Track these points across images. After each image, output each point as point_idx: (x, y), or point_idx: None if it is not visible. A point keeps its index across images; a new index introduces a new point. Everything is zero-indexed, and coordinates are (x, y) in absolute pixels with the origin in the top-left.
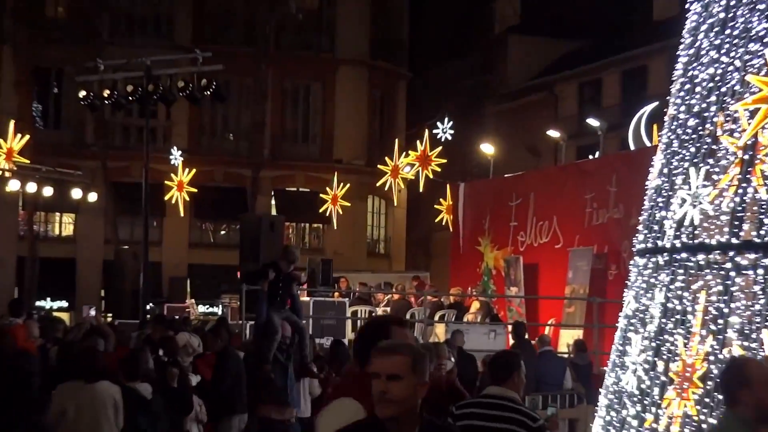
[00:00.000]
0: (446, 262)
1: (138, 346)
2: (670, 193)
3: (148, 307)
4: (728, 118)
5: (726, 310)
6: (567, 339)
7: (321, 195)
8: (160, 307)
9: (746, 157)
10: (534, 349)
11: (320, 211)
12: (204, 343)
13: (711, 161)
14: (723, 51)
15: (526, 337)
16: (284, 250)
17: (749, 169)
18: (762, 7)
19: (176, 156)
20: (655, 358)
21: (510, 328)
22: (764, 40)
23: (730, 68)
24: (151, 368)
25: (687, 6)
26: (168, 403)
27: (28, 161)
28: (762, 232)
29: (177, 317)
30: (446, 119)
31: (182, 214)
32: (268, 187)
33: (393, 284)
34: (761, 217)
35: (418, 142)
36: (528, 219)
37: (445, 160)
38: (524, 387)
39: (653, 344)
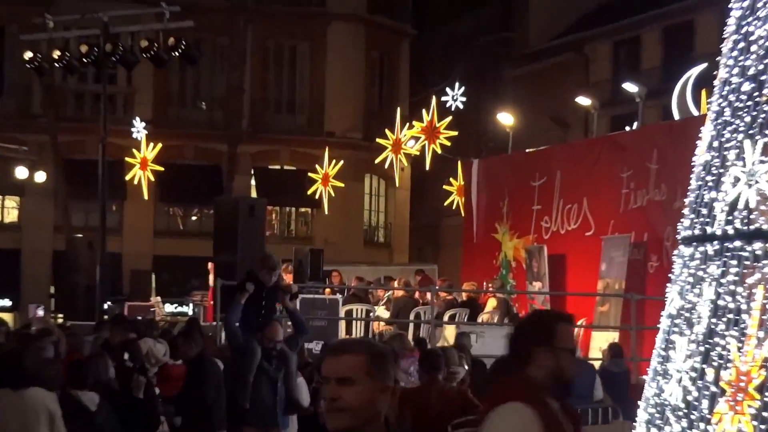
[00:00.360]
0: (457, 253)
1: (95, 353)
2: (722, 170)
3: (105, 306)
4: None
5: None
6: (600, 342)
7: (310, 174)
8: (119, 306)
9: None
10: None
11: (309, 192)
12: (172, 350)
13: None
14: None
15: None
16: (263, 258)
17: None
18: None
19: (139, 129)
20: (704, 365)
21: None
22: None
23: None
24: (112, 377)
25: None
26: (132, 416)
27: None
28: None
29: (140, 318)
30: (457, 84)
31: (146, 197)
32: (247, 164)
33: (394, 279)
34: None
35: (423, 111)
36: (554, 201)
37: (455, 133)
38: None
39: (701, 349)
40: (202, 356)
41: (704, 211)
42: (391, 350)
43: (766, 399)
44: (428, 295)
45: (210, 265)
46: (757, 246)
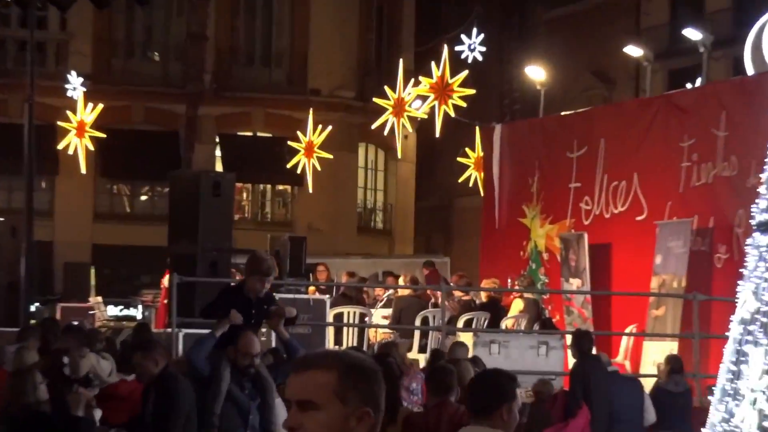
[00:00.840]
0: (475, 243)
1: (20, 368)
2: None
3: (32, 308)
4: None
5: None
6: (654, 355)
7: (289, 143)
8: (50, 309)
9: None
10: (606, 370)
11: (288, 166)
12: (121, 364)
13: None
14: None
15: (594, 352)
16: (253, 261)
17: None
18: None
19: (75, 85)
20: None
21: (569, 339)
22: None
23: None
24: (42, 398)
25: None
26: None
27: None
28: None
29: (76, 323)
30: (475, 30)
31: (84, 171)
32: (210, 130)
33: (396, 275)
34: None
35: (433, 64)
36: (596, 178)
37: (472, 91)
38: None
39: None
40: (167, 374)
41: None
42: (373, 363)
43: None
44: (438, 296)
45: None
46: None
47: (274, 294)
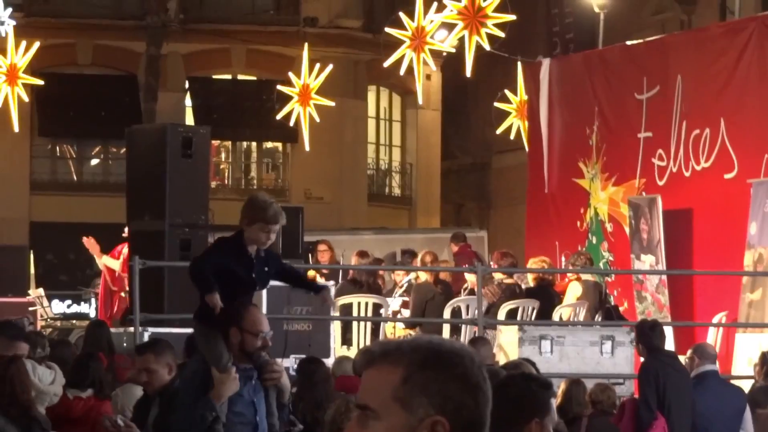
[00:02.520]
0: (519, 211)
1: None
2: None
3: None
4: None
5: None
6: (748, 350)
7: (279, 87)
8: None
9: None
10: (686, 370)
11: (278, 117)
12: (71, 376)
13: None
14: None
15: (670, 348)
16: (252, 205)
17: None
18: None
19: (3, 18)
20: None
21: (636, 333)
22: None
23: None
24: None
25: None
26: None
27: None
28: None
29: (12, 321)
30: None
31: (16, 129)
32: (178, 73)
33: (418, 254)
34: None
35: None
36: (672, 125)
37: (512, 17)
38: None
39: None
40: (172, 388)
41: None
42: (460, 351)
43: None
44: (472, 279)
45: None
46: None
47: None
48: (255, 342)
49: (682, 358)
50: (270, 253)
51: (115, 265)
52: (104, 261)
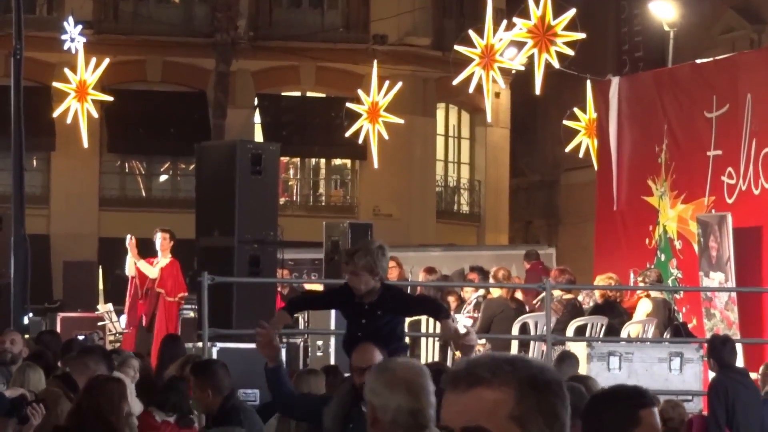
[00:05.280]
0: (587, 229)
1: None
2: None
3: (25, 319)
4: None
5: None
6: None
7: (348, 105)
8: (49, 320)
9: None
10: (756, 388)
11: (347, 135)
12: (149, 398)
13: None
14: None
15: (740, 365)
16: (365, 248)
17: None
18: None
19: (74, 35)
20: None
21: (707, 347)
22: None
23: None
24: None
25: None
26: None
27: None
28: None
29: (82, 338)
30: None
31: (86, 145)
32: (247, 90)
33: (487, 270)
34: None
35: (531, 1)
36: (742, 143)
37: (582, 35)
38: None
39: None
40: (232, 406)
41: None
42: (556, 373)
43: None
44: (541, 296)
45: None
46: None
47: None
48: (359, 378)
49: (753, 376)
50: (386, 297)
51: (151, 272)
52: (140, 264)
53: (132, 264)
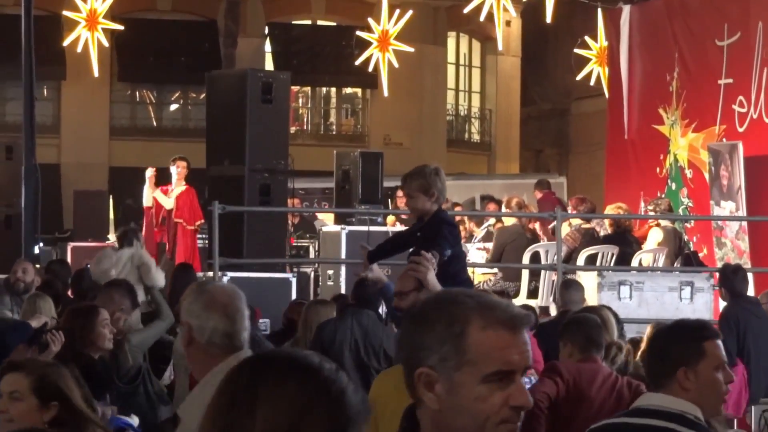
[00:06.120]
0: (598, 157)
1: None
2: None
3: (36, 249)
4: None
5: None
6: None
7: (358, 33)
8: (59, 250)
9: None
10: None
11: (357, 63)
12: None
13: None
14: None
15: (751, 294)
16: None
17: None
18: None
19: None
20: None
21: (719, 276)
22: None
23: None
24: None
25: None
26: None
27: None
28: None
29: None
30: None
31: (96, 74)
32: (258, 19)
33: (498, 200)
34: None
35: None
36: (753, 72)
37: None
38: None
39: None
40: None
41: None
42: None
43: None
44: (552, 225)
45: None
46: None
47: (344, 227)
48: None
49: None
50: (430, 220)
51: (167, 202)
52: (156, 195)
53: (150, 194)
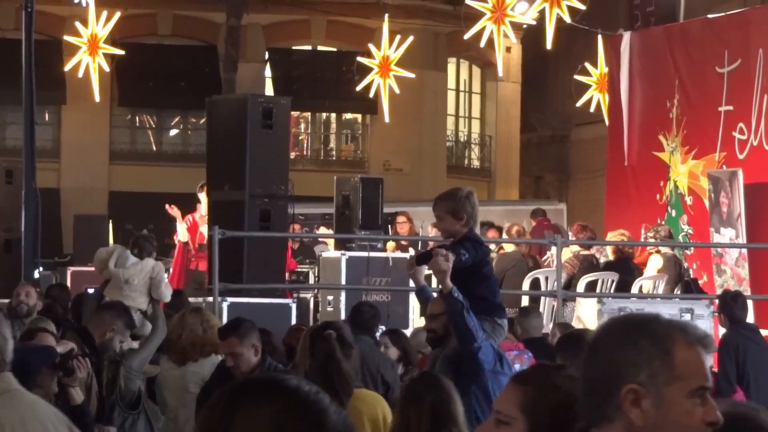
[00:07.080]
0: (598, 184)
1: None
2: None
3: (36, 273)
4: None
5: None
6: None
7: (359, 59)
8: (59, 274)
9: None
10: (767, 344)
11: (358, 89)
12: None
13: None
14: None
15: (750, 321)
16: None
17: None
18: None
19: None
20: None
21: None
22: None
23: None
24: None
25: None
26: None
27: None
28: None
29: (91, 291)
30: None
31: (97, 99)
32: (258, 44)
33: (498, 226)
34: None
35: None
36: (753, 98)
37: None
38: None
39: None
40: (270, 366)
41: None
42: None
43: None
44: (552, 252)
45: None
46: None
47: (344, 253)
48: None
49: (764, 333)
50: (453, 243)
51: (183, 234)
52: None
53: (184, 228)
